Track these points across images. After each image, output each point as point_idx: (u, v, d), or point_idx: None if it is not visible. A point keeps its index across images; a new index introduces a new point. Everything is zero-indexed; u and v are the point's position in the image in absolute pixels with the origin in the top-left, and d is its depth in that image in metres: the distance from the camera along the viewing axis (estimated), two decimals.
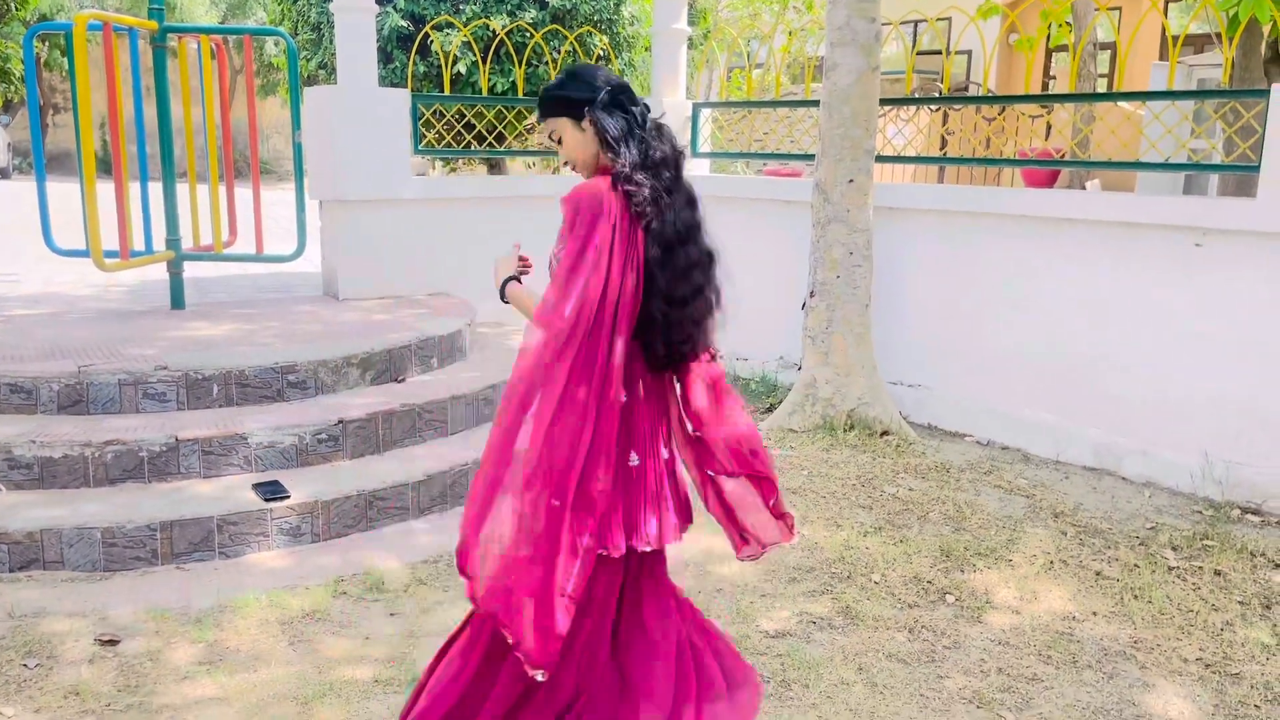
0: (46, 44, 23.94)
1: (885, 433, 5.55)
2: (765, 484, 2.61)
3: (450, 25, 7.70)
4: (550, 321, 2.21)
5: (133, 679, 3.06)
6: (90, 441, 4.03)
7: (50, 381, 4.31)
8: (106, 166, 7.28)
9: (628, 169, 2.31)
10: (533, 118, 8.02)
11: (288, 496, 4.03)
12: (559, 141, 2.41)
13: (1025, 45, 6.67)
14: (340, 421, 4.43)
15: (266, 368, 4.62)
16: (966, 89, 14.16)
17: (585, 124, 2.35)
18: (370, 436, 4.54)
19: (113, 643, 3.25)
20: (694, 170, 7.64)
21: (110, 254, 5.39)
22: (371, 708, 2.94)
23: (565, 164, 2.44)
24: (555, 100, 2.39)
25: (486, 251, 6.97)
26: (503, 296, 2.50)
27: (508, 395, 2.24)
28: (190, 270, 6.45)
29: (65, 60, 24.15)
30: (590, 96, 2.34)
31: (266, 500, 3.98)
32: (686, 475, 2.65)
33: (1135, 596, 3.75)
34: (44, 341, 4.92)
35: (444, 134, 6.98)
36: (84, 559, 3.72)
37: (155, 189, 5.97)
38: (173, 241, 5.80)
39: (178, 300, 5.94)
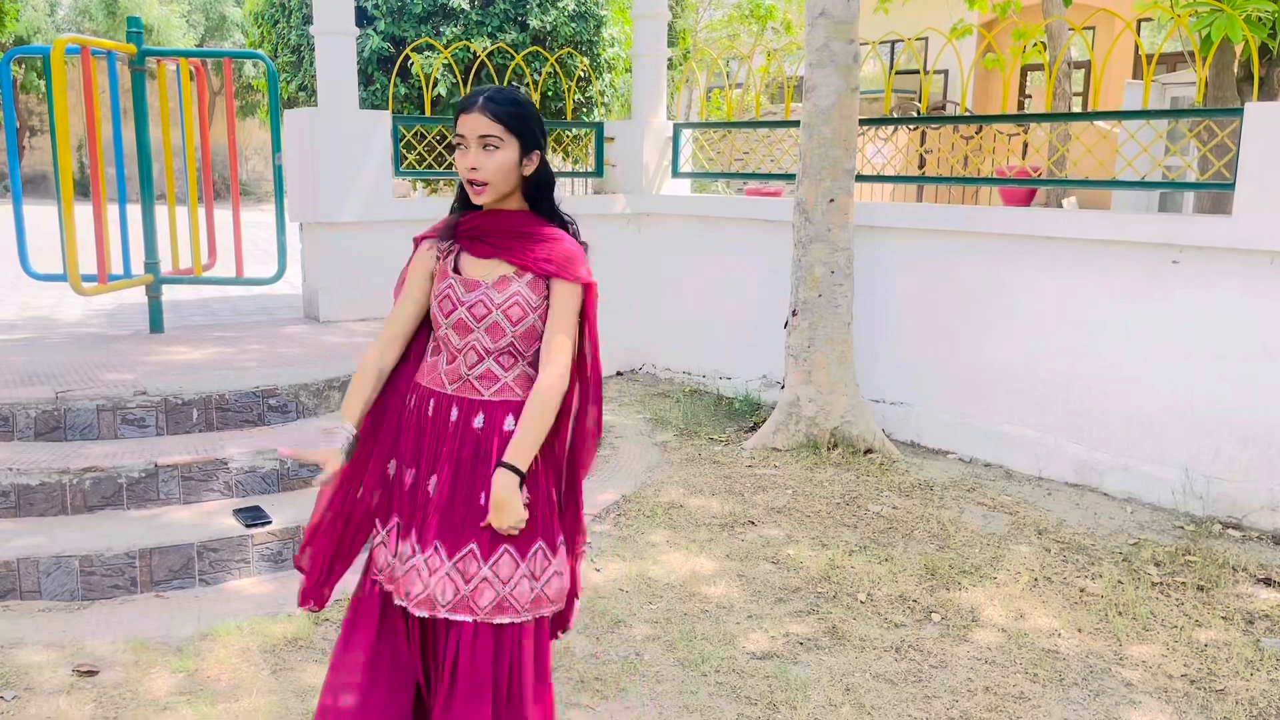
0: (23, 66, 23.81)
1: (869, 451, 5.56)
2: None
3: (431, 47, 7.71)
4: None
5: (111, 710, 3.01)
6: (68, 468, 3.98)
7: (27, 408, 4.26)
8: (84, 189, 7.24)
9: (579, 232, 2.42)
10: None
11: (269, 522, 3.99)
12: (485, 148, 2.25)
13: (996, 64, 6.75)
14: None
15: (247, 392, 4.58)
16: (944, 108, 14.29)
17: (532, 159, 2.30)
18: None
19: (91, 673, 3.20)
20: (675, 190, 7.67)
21: (88, 278, 5.34)
22: None
23: (472, 174, 2.27)
24: (521, 118, 2.28)
25: None
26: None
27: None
28: (169, 294, 6.42)
29: (41, 82, 24.06)
30: (543, 140, 2.33)
31: (247, 526, 3.94)
32: None
33: (1120, 613, 3.76)
34: (20, 367, 4.86)
35: (425, 155, 6.97)
36: (61, 588, 3.67)
37: (134, 212, 5.93)
38: (151, 265, 5.76)
39: (156, 324, 5.89)
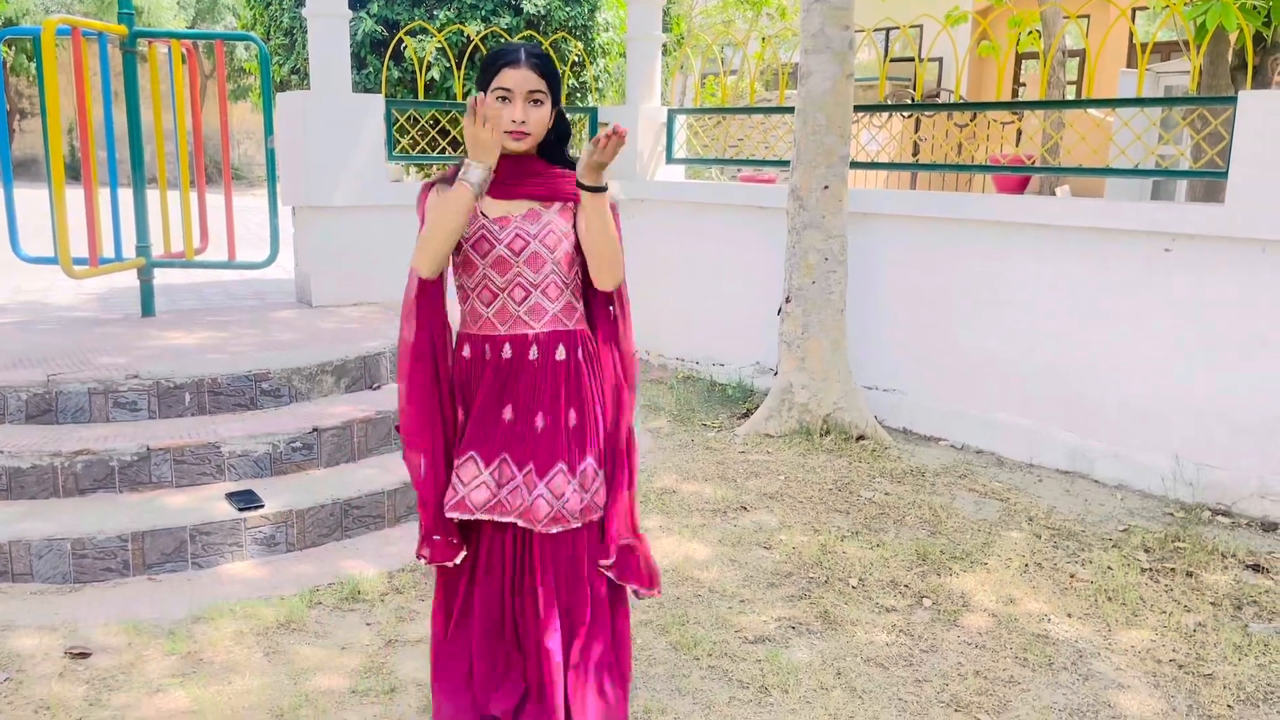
0: (13, 48, 23.63)
1: (861, 437, 5.58)
2: None
3: (424, 31, 7.67)
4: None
5: (104, 692, 3.02)
6: (59, 451, 3.97)
7: (18, 391, 4.24)
8: (75, 172, 7.20)
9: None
10: None
11: (261, 506, 3.99)
12: (535, 103, 2.43)
13: (989, 51, 6.74)
14: (315, 429, 4.40)
15: (239, 376, 4.57)
16: (938, 95, 14.28)
17: (552, 113, 2.49)
18: (345, 444, 4.50)
19: (83, 655, 3.20)
20: (669, 176, 7.65)
21: (79, 261, 5.32)
22: (348, 718, 2.92)
23: (520, 126, 2.41)
24: (556, 75, 2.48)
25: None
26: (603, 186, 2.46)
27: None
28: (161, 277, 6.39)
29: (32, 65, 23.87)
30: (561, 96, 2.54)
31: (240, 510, 3.94)
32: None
33: (1109, 598, 3.78)
34: (11, 350, 4.85)
35: (418, 140, 6.95)
36: (53, 571, 3.67)
37: (125, 195, 5.91)
38: (143, 248, 5.74)
39: (148, 308, 5.87)
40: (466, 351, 2.60)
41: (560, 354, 2.56)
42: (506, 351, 2.54)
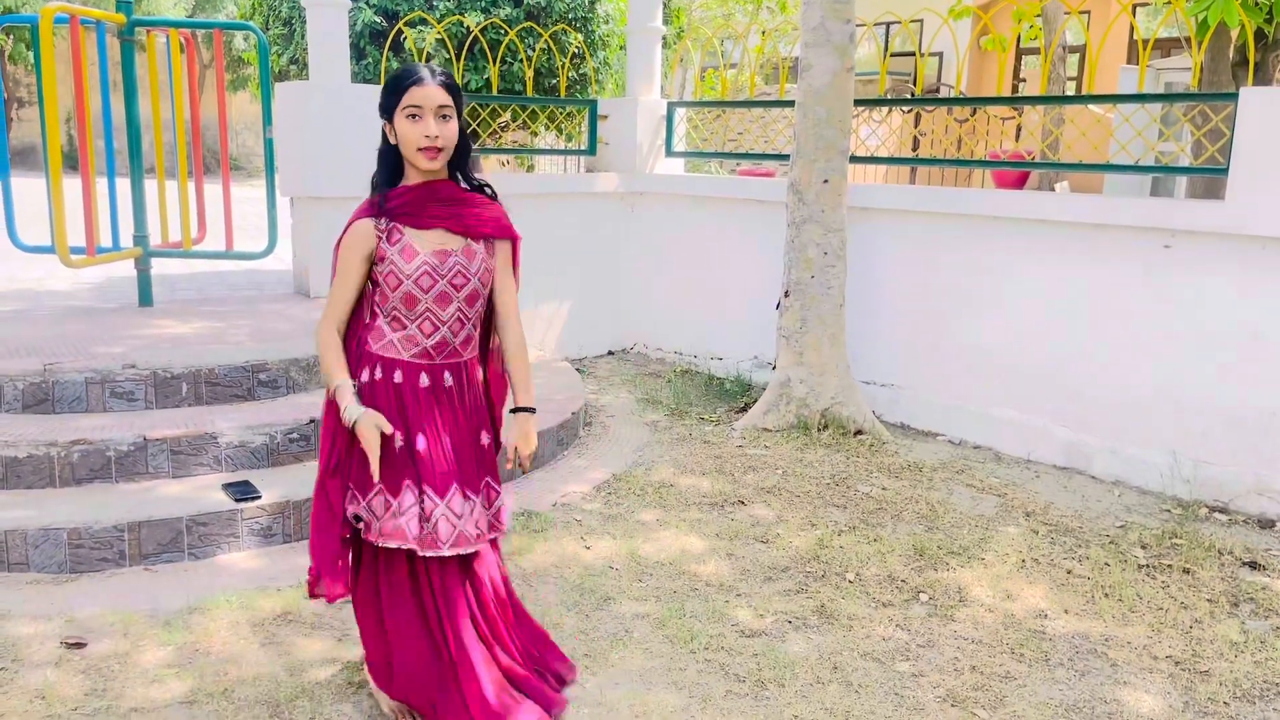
0: (11, 37, 23.55)
1: (859, 432, 5.58)
2: None
3: (424, 21, 7.64)
4: None
5: (100, 682, 3.01)
6: (56, 441, 3.97)
7: (14, 380, 4.23)
8: (73, 161, 7.18)
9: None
10: (506, 115, 7.99)
11: (259, 497, 3.99)
12: (444, 118, 2.53)
13: (994, 45, 6.73)
14: (312, 421, 4.39)
15: (236, 366, 4.56)
16: (938, 90, 14.26)
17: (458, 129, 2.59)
18: None
19: (79, 645, 3.20)
20: (668, 169, 7.64)
21: (76, 250, 5.30)
22: (345, 709, 2.91)
23: (434, 141, 2.51)
24: (460, 92, 2.58)
25: None
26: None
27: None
28: (158, 267, 6.38)
29: (30, 53, 23.78)
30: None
31: (237, 500, 3.94)
32: None
33: (1106, 594, 3.79)
34: (8, 339, 4.84)
35: None
36: (49, 560, 3.66)
37: (123, 184, 5.89)
38: (140, 238, 5.73)
39: (145, 298, 5.86)
40: (398, 377, 2.65)
41: (478, 375, 2.80)
42: (447, 380, 2.70)
